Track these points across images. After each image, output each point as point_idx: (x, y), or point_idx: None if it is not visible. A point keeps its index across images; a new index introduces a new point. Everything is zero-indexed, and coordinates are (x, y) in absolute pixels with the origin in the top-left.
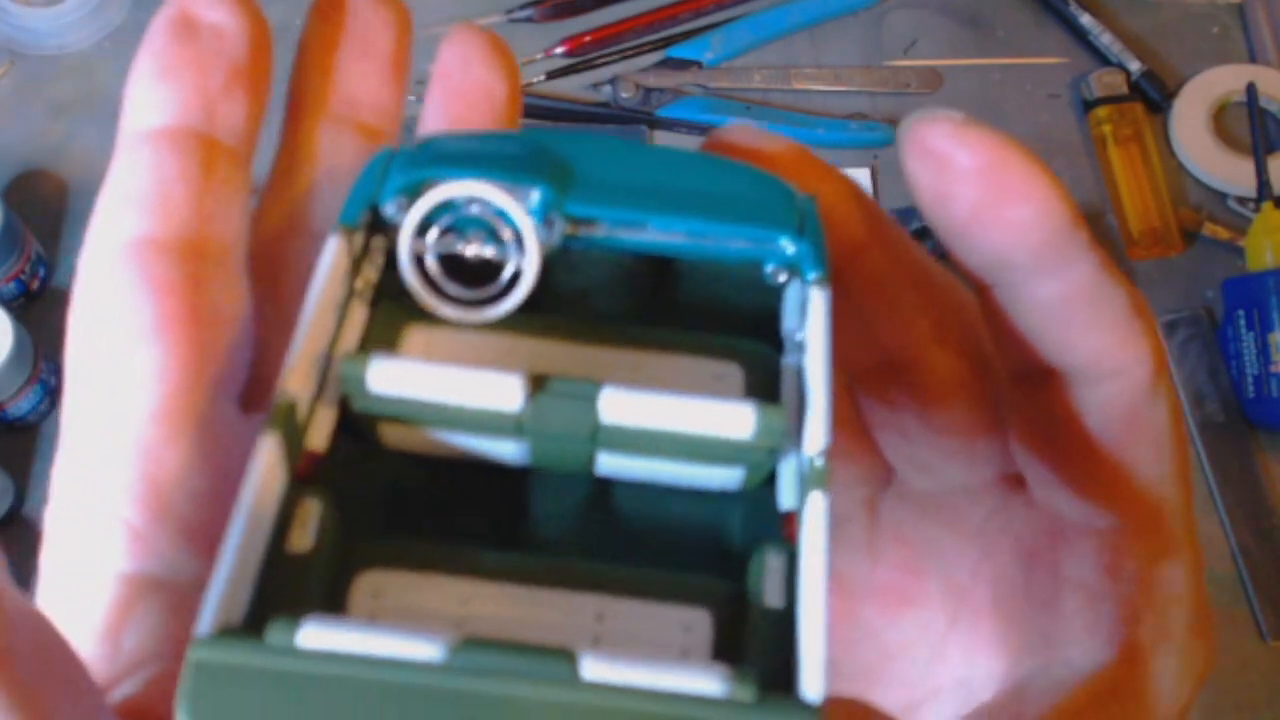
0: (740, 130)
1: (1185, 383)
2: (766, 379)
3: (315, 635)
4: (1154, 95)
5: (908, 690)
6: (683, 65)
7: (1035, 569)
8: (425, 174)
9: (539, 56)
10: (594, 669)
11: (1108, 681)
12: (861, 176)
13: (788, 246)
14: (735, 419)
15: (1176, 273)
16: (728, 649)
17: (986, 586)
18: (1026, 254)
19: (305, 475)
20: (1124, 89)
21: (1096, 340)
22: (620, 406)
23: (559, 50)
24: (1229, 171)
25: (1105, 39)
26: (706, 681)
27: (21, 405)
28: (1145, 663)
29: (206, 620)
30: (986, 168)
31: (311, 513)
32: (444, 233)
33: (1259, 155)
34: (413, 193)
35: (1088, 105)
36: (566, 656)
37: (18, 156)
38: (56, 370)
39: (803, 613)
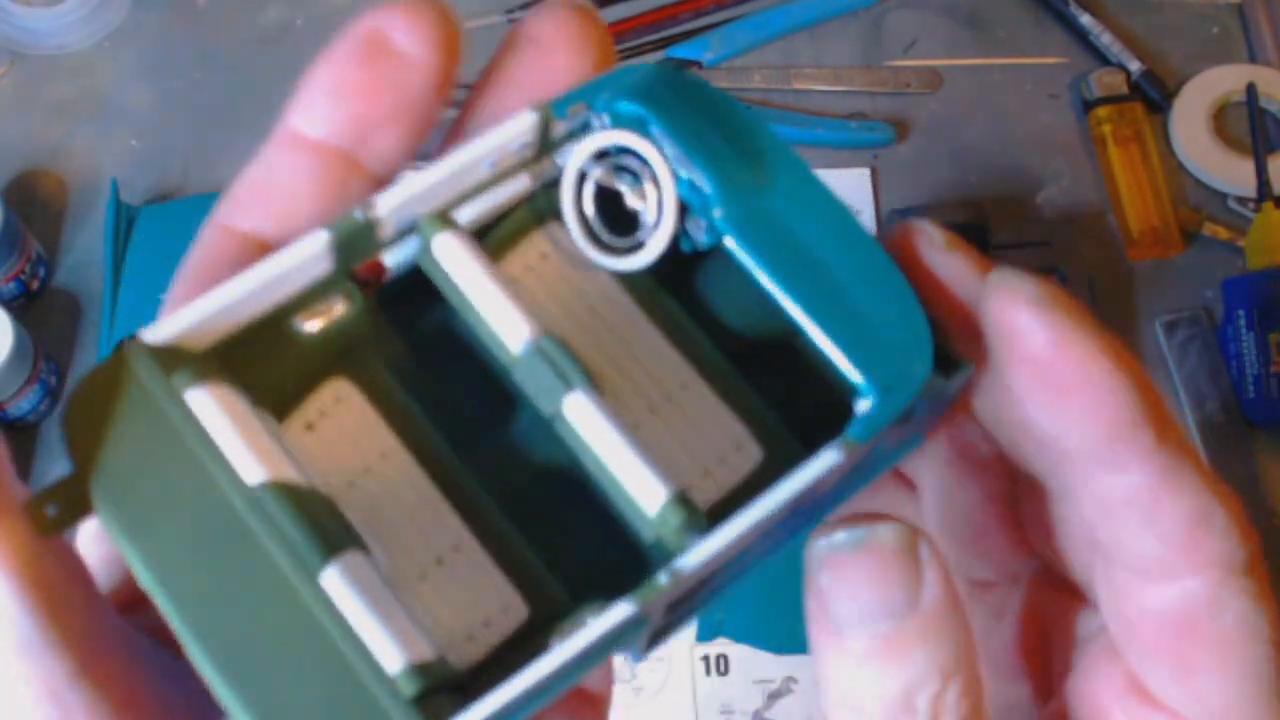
0: (946, 256)
1: (1185, 382)
2: (762, 481)
3: (197, 399)
4: (1154, 95)
5: None
6: (683, 65)
7: (1052, 656)
8: (641, 111)
9: None
10: (330, 581)
11: None
12: (861, 176)
13: (864, 404)
14: (649, 494)
15: (1176, 273)
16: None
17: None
18: (1079, 448)
19: (360, 277)
20: (1124, 89)
21: (1147, 546)
22: (576, 411)
23: None
24: (1229, 171)
25: (1105, 39)
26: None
27: (21, 405)
28: None
29: (162, 324)
30: (1050, 355)
31: (338, 307)
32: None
33: (1259, 155)
34: (618, 120)
35: (1088, 105)
36: (315, 561)
37: (18, 156)
38: (57, 370)
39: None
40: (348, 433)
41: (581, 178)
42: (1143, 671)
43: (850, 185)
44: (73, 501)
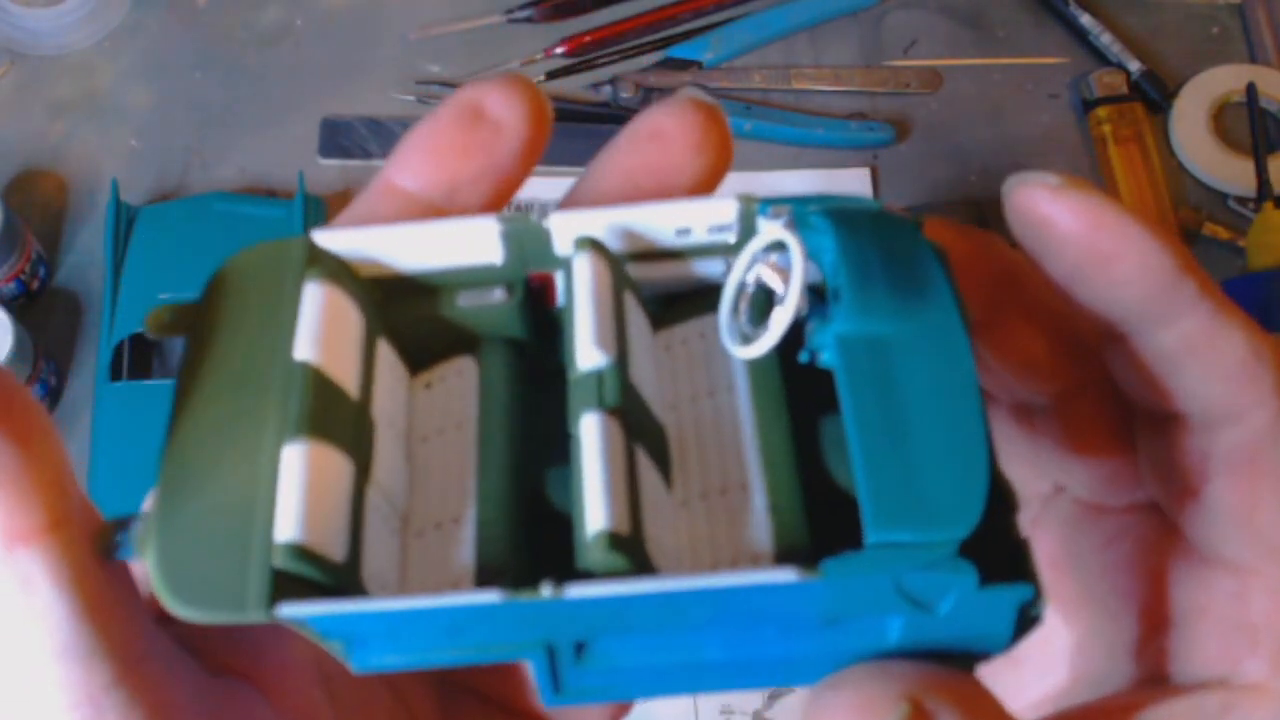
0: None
1: None
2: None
3: (313, 290)
4: (1154, 95)
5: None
6: (683, 65)
7: (1157, 583)
8: (825, 224)
9: (539, 57)
10: (291, 453)
11: (1221, 702)
12: (861, 176)
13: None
14: (593, 518)
15: None
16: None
17: (1109, 593)
18: (1131, 309)
19: (532, 283)
20: (1124, 89)
21: (1211, 388)
22: (584, 429)
23: (559, 50)
24: (1229, 171)
25: (1105, 39)
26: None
27: None
28: (1266, 691)
29: (333, 233)
30: (1085, 230)
31: (498, 295)
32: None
33: (1259, 155)
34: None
35: (1088, 105)
36: (289, 433)
37: (18, 156)
38: (56, 370)
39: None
40: (450, 399)
41: (747, 274)
42: (1209, 536)
43: (850, 185)
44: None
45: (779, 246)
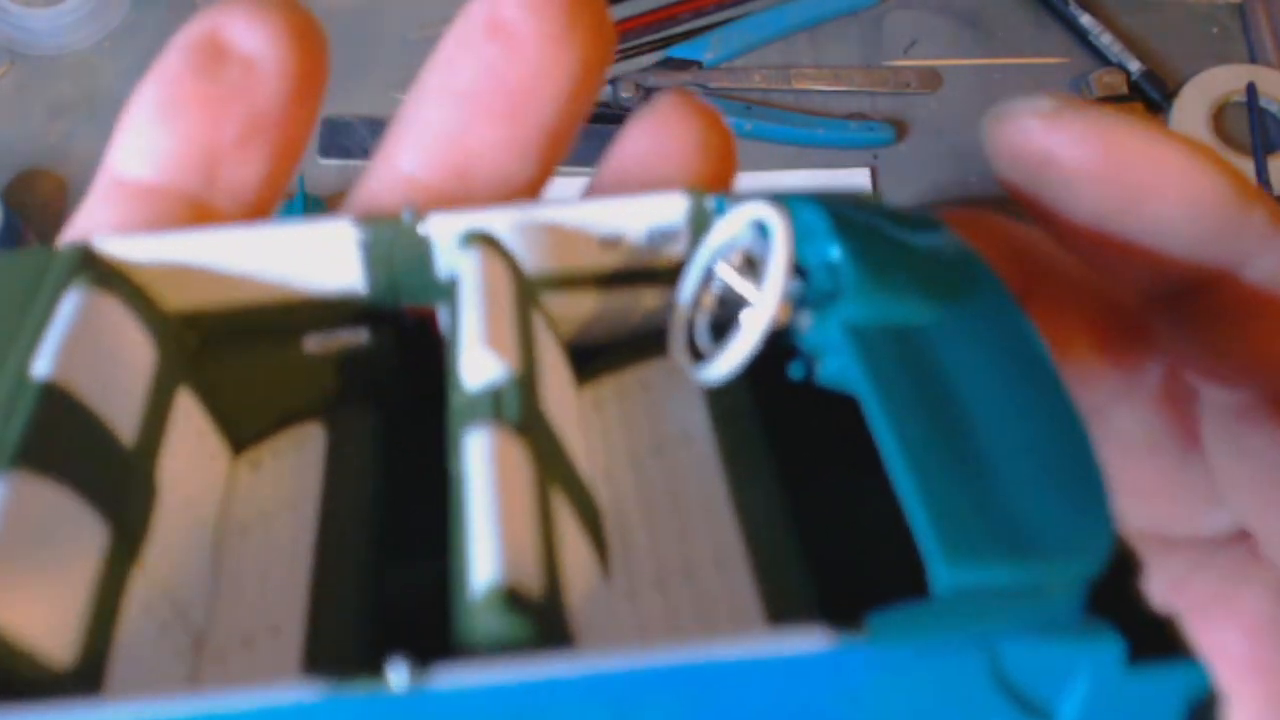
0: None
1: None
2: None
3: (76, 299)
4: (1154, 95)
5: None
6: (683, 65)
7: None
8: (817, 217)
9: None
10: None
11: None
12: (861, 176)
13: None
14: (482, 567)
15: None
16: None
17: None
18: (1186, 256)
19: (407, 318)
20: (1124, 89)
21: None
22: (475, 447)
23: None
24: None
25: (1105, 39)
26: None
27: None
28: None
29: (122, 239)
30: (1101, 160)
31: (361, 336)
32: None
33: (1259, 155)
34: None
35: None
36: None
37: (18, 156)
38: None
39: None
40: (283, 478)
41: (708, 277)
42: None
43: (850, 185)
44: None
45: (750, 233)
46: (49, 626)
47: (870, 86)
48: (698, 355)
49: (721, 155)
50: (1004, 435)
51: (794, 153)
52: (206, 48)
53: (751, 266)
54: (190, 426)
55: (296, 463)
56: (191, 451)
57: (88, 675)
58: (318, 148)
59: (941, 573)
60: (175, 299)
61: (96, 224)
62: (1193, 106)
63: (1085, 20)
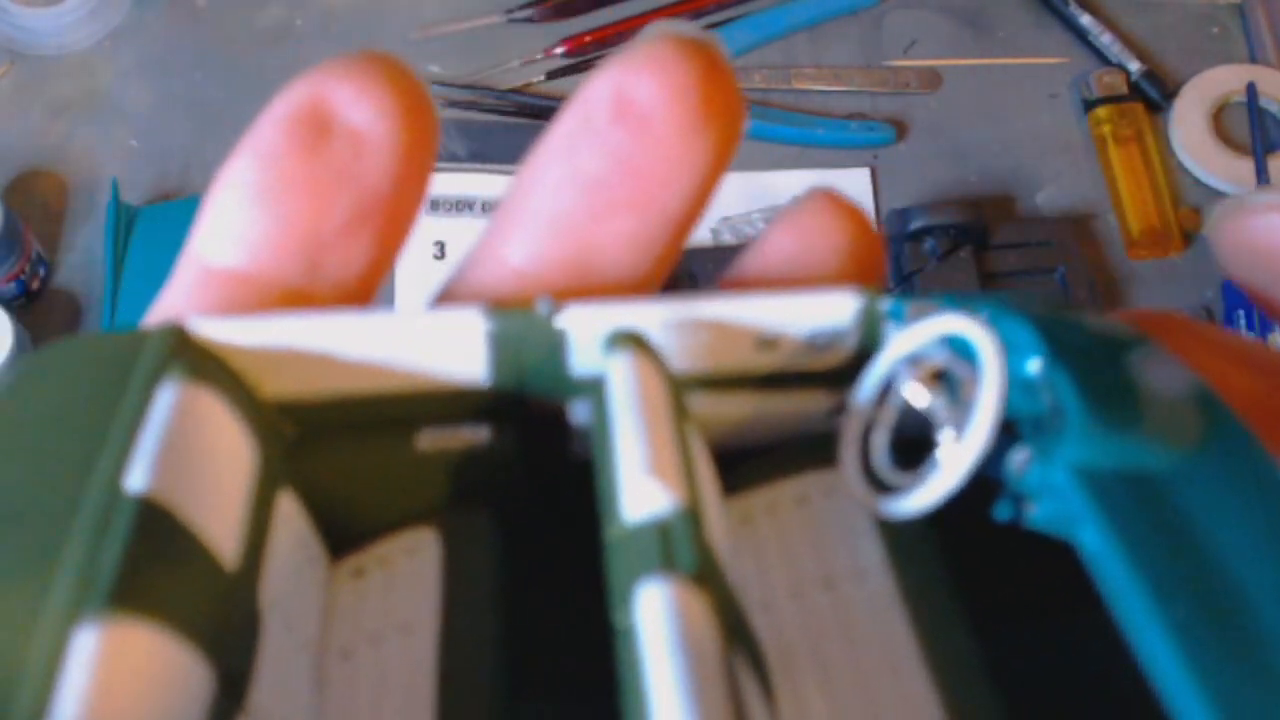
0: None
1: None
2: None
3: (172, 395)
4: (1154, 95)
5: None
6: None
7: None
8: (1023, 329)
9: (539, 57)
10: (85, 639)
11: None
12: (861, 176)
13: None
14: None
15: (1176, 273)
16: None
17: None
18: None
19: (534, 414)
20: (1124, 89)
21: None
22: (648, 607)
23: (559, 50)
24: (1229, 171)
25: (1105, 39)
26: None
27: None
28: None
29: (224, 322)
30: None
31: (481, 434)
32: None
33: (1259, 155)
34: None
35: (1088, 105)
36: (93, 598)
37: (18, 156)
38: None
39: None
40: (394, 593)
41: (886, 388)
42: None
43: (850, 185)
44: None
45: (941, 348)
46: None
47: (870, 86)
48: (874, 480)
49: (870, 260)
50: None
51: (794, 153)
52: (311, 120)
53: (941, 380)
54: (290, 533)
55: (407, 574)
56: (292, 563)
57: None
58: None
59: None
60: (273, 384)
61: (183, 314)
62: (1193, 106)
63: (1085, 20)
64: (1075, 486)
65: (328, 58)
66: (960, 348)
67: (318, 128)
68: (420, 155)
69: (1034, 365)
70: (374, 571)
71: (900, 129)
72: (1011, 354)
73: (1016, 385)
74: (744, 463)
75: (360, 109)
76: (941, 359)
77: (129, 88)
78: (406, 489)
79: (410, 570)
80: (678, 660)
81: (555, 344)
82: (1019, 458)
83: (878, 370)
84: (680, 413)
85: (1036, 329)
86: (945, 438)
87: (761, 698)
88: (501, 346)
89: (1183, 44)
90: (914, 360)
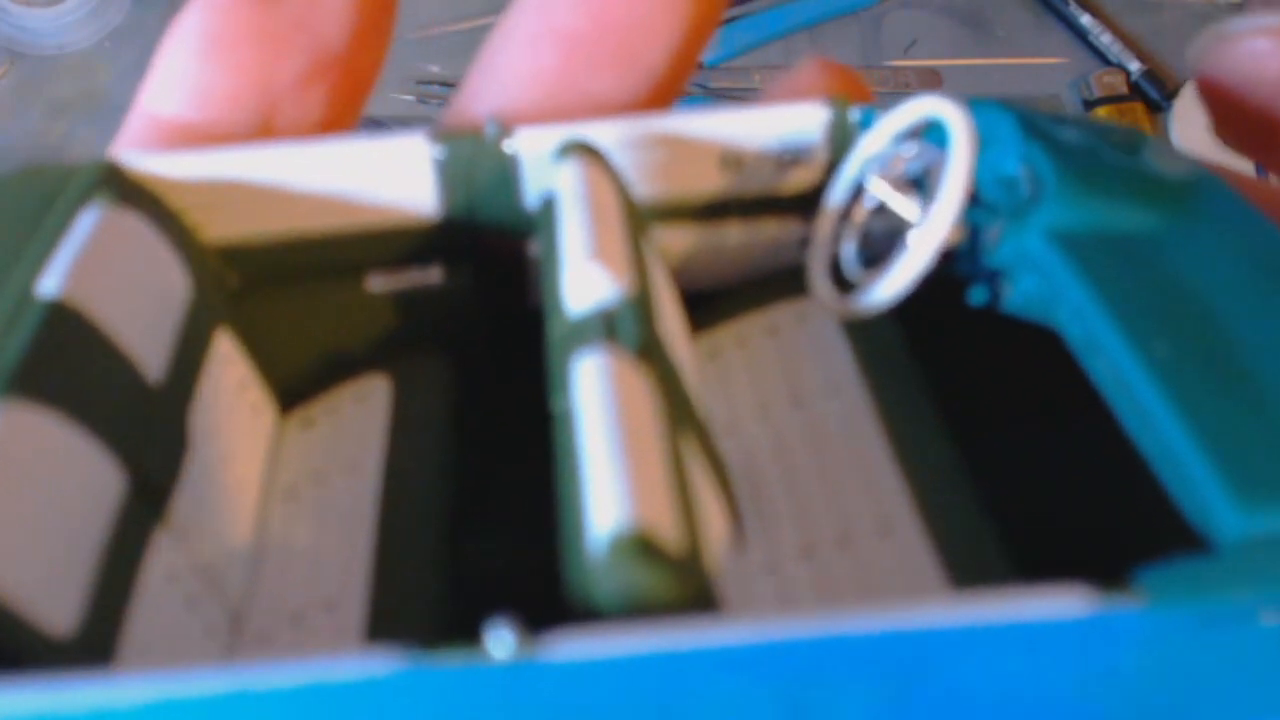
0: None
1: None
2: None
3: (95, 214)
4: (1154, 95)
5: None
6: None
7: None
8: (1000, 116)
9: None
10: None
11: None
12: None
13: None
14: (603, 513)
15: None
16: None
17: None
18: None
19: (488, 250)
20: (1124, 89)
21: None
22: (584, 376)
23: None
24: None
25: (1105, 39)
26: None
27: None
28: None
29: (156, 157)
30: None
31: (432, 274)
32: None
33: None
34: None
35: (1088, 105)
36: None
37: (18, 156)
38: None
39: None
40: (341, 436)
41: (857, 194)
42: None
43: None
44: None
45: (911, 143)
46: (44, 586)
47: (870, 86)
48: (844, 287)
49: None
50: (1275, 352)
51: None
52: None
53: (912, 184)
54: (230, 374)
55: (356, 419)
56: (231, 402)
57: (93, 648)
58: None
59: (1228, 518)
60: (217, 228)
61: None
62: (1193, 106)
63: (1085, 20)
64: (1050, 249)
65: None
66: (935, 139)
67: None
68: (378, 12)
69: (1030, 151)
70: (323, 420)
71: None
72: (994, 147)
73: (997, 180)
74: (713, 303)
75: None
76: (913, 154)
77: (129, 88)
78: (358, 335)
79: (359, 415)
80: (612, 430)
81: (506, 169)
82: (993, 232)
83: (848, 171)
84: (636, 222)
85: (1016, 118)
86: (914, 228)
87: (723, 509)
88: (450, 174)
89: (1183, 44)
90: (886, 160)
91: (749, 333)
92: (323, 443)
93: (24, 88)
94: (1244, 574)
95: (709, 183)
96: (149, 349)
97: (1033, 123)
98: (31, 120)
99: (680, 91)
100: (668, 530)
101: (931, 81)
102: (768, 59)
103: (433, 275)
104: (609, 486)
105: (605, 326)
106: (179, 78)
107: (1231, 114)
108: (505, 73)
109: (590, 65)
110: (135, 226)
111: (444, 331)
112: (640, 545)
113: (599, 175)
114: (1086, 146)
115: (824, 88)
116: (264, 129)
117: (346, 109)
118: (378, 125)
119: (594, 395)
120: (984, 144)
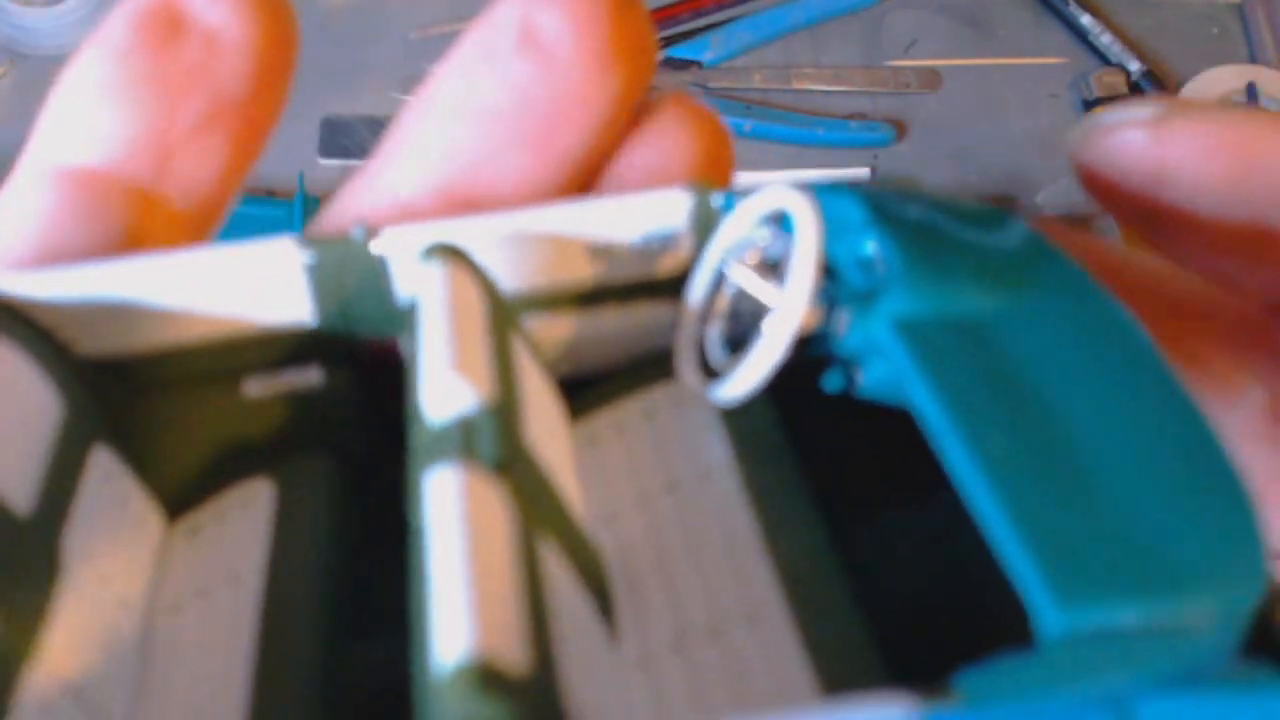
0: None
1: None
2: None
3: None
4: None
5: None
6: (683, 65)
7: None
8: (853, 204)
9: None
10: None
11: None
12: (861, 177)
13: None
14: (451, 638)
15: None
16: None
17: None
18: None
19: (364, 354)
20: (1124, 89)
21: None
22: (439, 489)
23: None
24: None
25: (1105, 39)
26: None
27: None
28: None
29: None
30: (1235, 175)
31: (311, 376)
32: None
33: None
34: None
35: (1088, 105)
36: None
37: (18, 156)
38: None
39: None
40: (225, 545)
41: (719, 281)
42: None
43: (852, 180)
44: None
45: (767, 229)
46: None
47: (870, 86)
48: (711, 374)
49: (722, 161)
50: (1109, 442)
51: (794, 153)
52: (161, 17)
53: (771, 269)
54: (110, 490)
55: (240, 525)
56: (113, 518)
57: None
58: (318, 148)
59: (1050, 615)
60: (91, 343)
61: (24, 213)
62: None
63: (1085, 20)
64: (894, 338)
65: (326, 57)
66: (789, 226)
67: (169, 25)
68: (278, 61)
69: (876, 238)
70: (209, 527)
71: (900, 129)
72: (848, 233)
73: (853, 265)
74: (591, 388)
75: (214, 8)
76: (768, 241)
77: None
78: (243, 439)
79: (243, 521)
80: (460, 550)
81: (376, 271)
82: (841, 320)
83: (709, 260)
84: (503, 321)
85: (866, 203)
86: (770, 315)
87: (592, 611)
88: (321, 277)
89: (1183, 44)
90: (744, 245)
91: (626, 418)
92: (207, 551)
93: (24, 88)
94: (1064, 671)
95: (581, 272)
96: (16, 478)
97: (882, 207)
98: (31, 120)
99: (599, 174)
100: (513, 654)
101: (932, 81)
102: (768, 59)
103: (312, 376)
104: (453, 612)
105: (463, 438)
106: (74, 124)
107: (1110, 202)
108: (417, 149)
109: (507, 144)
110: (6, 354)
111: (328, 432)
112: (481, 676)
113: (463, 278)
114: (935, 229)
115: (683, 134)
116: (160, 176)
117: (245, 155)
118: (377, 124)
119: (444, 512)
120: (838, 229)
